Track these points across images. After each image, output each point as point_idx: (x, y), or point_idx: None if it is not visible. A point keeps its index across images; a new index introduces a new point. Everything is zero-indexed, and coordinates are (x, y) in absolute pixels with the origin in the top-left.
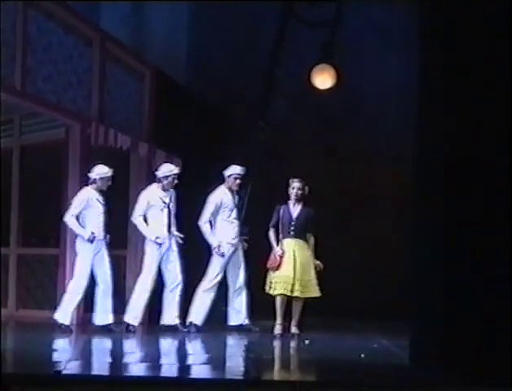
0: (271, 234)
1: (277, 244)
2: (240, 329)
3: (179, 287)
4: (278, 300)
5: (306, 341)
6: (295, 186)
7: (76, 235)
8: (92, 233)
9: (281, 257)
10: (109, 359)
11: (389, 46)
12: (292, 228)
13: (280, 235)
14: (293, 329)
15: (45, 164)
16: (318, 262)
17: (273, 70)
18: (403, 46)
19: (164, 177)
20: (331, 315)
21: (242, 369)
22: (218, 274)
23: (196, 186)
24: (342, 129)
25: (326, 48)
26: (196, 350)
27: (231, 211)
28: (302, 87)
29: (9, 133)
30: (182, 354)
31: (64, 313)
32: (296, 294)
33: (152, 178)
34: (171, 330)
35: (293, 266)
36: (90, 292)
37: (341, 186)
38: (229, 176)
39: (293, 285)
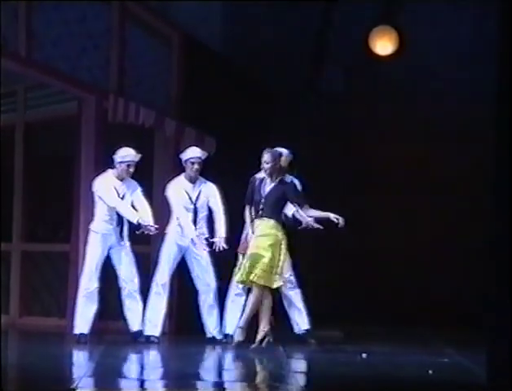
0: (246, 212)
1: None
2: (293, 339)
3: (211, 294)
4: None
5: (364, 355)
6: (263, 158)
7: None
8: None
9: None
10: (128, 375)
11: (462, 1)
12: (261, 207)
13: (252, 215)
14: (237, 332)
15: (54, 144)
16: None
17: (325, 33)
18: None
19: (189, 163)
20: (393, 324)
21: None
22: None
23: (232, 172)
24: (405, 102)
25: (386, 6)
26: (230, 365)
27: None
28: (358, 53)
29: (11, 108)
30: (211, 368)
31: (80, 320)
32: (254, 279)
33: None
34: (206, 342)
35: (260, 250)
36: (108, 295)
37: (402, 171)
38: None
39: (263, 272)
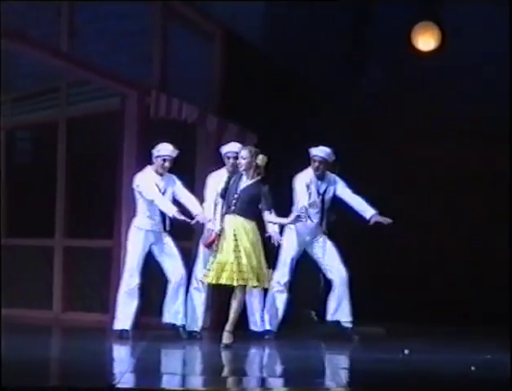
0: (218, 207)
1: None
2: (336, 336)
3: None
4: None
5: (406, 351)
6: (240, 154)
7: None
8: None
9: (219, 235)
10: (169, 371)
11: None
12: (233, 202)
13: (223, 209)
14: (225, 336)
15: (96, 140)
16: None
17: (365, 30)
18: None
19: (226, 157)
20: (433, 321)
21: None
22: (288, 271)
23: (271, 169)
24: (448, 99)
25: (429, 2)
26: (273, 361)
27: None
28: (400, 50)
29: (54, 104)
30: (251, 364)
31: (121, 315)
32: (235, 283)
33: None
34: (247, 337)
35: (232, 249)
36: (151, 291)
37: (442, 169)
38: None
39: (232, 271)
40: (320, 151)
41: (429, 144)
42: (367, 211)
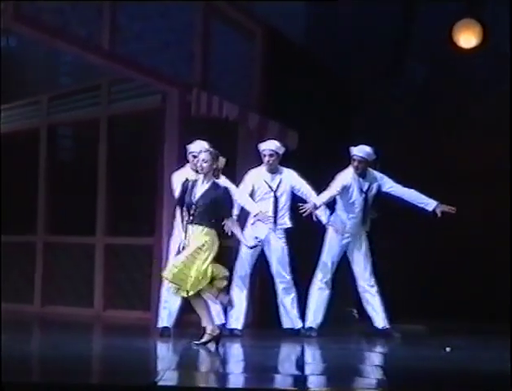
0: (177, 215)
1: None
2: (377, 333)
3: (288, 287)
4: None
5: (448, 349)
6: (201, 156)
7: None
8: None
9: (183, 248)
10: (211, 368)
11: None
12: (191, 212)
13: (183, 218)
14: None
15: (137, 138)
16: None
17: (407, 27)
18: None
19: (262, 155)
20: (475, 319)
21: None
22: (329, 269)
23: (313, 167)
24: (489, 97)
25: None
26: (314, 359)
27: None
28: (441, 47)
29: (95, 102)
30: (292, 362)
31: (163, 313)
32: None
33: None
34: (288, 335)
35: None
36: None
37: (481, 165)
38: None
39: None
40: (359, 151)
41: (470, 142)
42: (429, 202)
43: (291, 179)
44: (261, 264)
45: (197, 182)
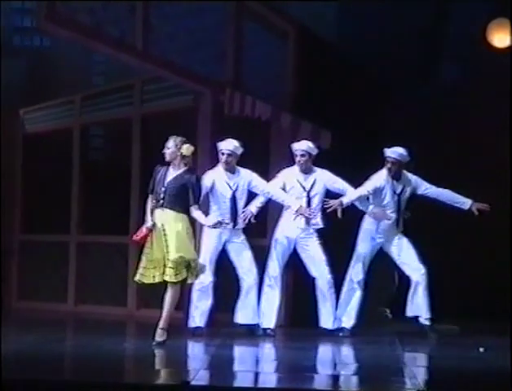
0: (148, 201)
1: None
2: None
3: (322, 286)
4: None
5: (481, 349)
6: (166, 144)
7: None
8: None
9: (150, 230)
10: (243, 368)
11: None
12: (161, 196)
13: (152, 204)
14: (158, 333)
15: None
16: None
17: (440, 27)
18: None
19: (294, 155)
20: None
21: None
22: (361, 270)
23: (347, 167)
24: None
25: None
26: (344, 358)
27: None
28: (475, 47)
29: (128, 102)
30: (325, 361)
31: (195, 313)
32: (166, 278)
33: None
34: (321, 334)
35: (162, 245)
36: (224, 289)
37: None
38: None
39: (164, 267)
40: (392, 152)
41: (506, 141)
42: (465, 201)
43: (325, 178)
44: (294, 264)
45: (169, 168)
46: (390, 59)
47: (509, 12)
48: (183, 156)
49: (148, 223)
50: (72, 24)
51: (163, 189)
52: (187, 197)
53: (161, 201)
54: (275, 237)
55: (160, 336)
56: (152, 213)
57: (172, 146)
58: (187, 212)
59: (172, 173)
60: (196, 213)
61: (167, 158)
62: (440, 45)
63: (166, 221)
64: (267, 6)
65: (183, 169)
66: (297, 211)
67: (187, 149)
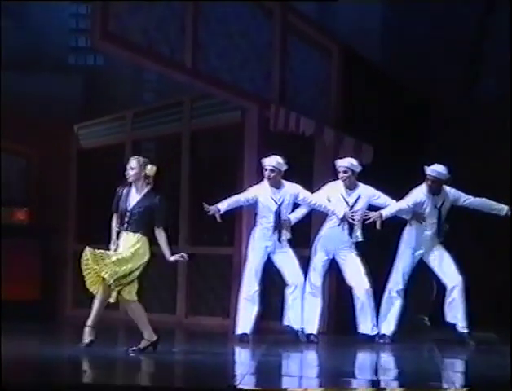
0: (113, 222)
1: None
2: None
3: (361, 294)
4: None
5: None
6: (129, 164)
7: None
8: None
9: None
10: (288, 373)
11: None
12: (126, 219)
13: (117, 226)
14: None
15: (217, 152)
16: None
17: (481, 43)
18: None
19: (337, 170)
20: None
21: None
22: (401, 279)
23: (389, 182)
24: None
25: None
26: (385, 364)
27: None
28: None
29: (178, 118)
30: (367, 367)
31: (242, 320)
32: (111, 300)
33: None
34: (363, 341)
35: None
36: (270, 297)
37: None
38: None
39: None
40: (432, 171)
41: None
42: (501, 208)
43: (369, 194)
44: (336, 272)
45: (132, 189)
46: (433, 75)
47: (509, 12)
48: (147, 176)
49: (112, 246)
50: (125, 43)
51: (128, 213)
52: (151, 219)
53: (126, 225)
54: (316, 246)
55: (88, 334)
56: (117, 234)
57: (136, 166)
58: (150, 233)
59: (135, 195)
60: (160, 236)
61: (131, 179)
62: (481, 59)
63: (127, 245)
64: (312, 24)
65: (145, 189)
66: (342, 219)
67: (150, 169)
